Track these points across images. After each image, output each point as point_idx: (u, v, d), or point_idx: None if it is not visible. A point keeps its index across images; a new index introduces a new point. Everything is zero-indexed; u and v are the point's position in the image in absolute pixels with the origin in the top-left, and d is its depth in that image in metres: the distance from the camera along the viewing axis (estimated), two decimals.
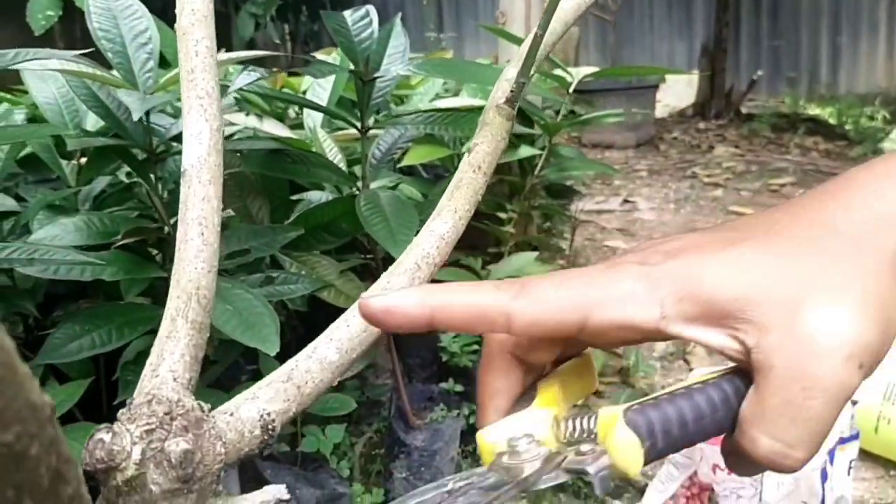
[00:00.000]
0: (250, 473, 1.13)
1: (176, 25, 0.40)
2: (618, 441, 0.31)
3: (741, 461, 0.34)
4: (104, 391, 1.13)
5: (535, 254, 1.68)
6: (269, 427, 0.35)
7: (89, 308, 0.94)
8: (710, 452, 1.16)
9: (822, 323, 0.30)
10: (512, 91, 0.58)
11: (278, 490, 0.35)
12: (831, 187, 0.36)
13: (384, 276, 0.44)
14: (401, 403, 1.33)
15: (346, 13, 1.07)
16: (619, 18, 6.30)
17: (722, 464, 1.10)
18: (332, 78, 1.50)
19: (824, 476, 1.09)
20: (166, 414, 0.32)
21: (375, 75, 1.02)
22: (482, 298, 0.34)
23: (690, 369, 2.00)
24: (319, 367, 0.38)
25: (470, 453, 1.59)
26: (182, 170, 0.37)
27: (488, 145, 0.55)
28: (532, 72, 0.60)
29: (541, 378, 0.38)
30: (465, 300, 0.34)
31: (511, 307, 0.33)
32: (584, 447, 0.33)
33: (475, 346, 1.57)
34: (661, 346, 2.12)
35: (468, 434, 1.57)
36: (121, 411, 0.32)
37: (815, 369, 0.30)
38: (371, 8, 1.09)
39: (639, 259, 0.34)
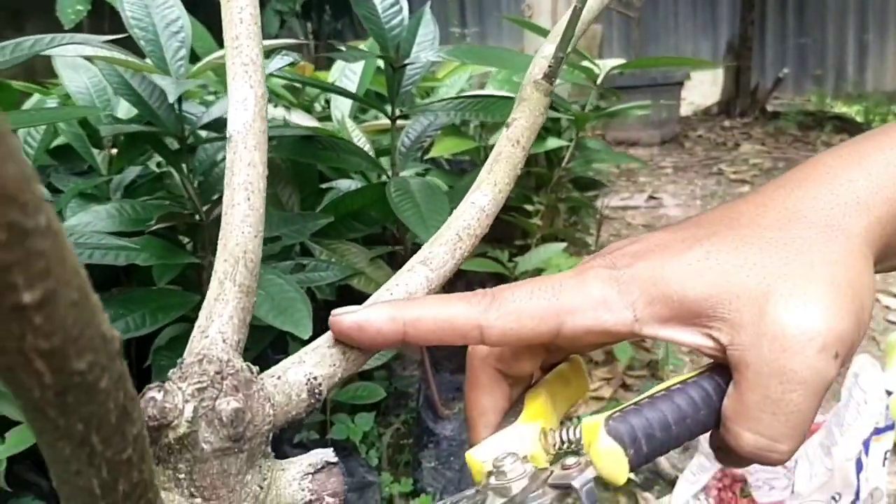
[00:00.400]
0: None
1: None
2: (601, 451, 0.31)
3: (729, 456, 0.34)
4: (136, 379, 1.14)
5: (563, 245, 1.68)
6: (316, 391, 0.35)
7: (122, 292, 0.95)
8: None
9: (792, 316, 0.30)
10: (550, 66, 0.57)
11: (326, 454, 0.35)
12: (797, 174, 0.35)
13: (425, 247, 0.44)
14: (429, 393, 1.33)
15: (376, 0, 1.07)
16: (644, 16, 6.25)
17: None
18: (359, 70, 1.50)
19: (859, 467, 1.07)
20: (217, 373, 0.32)
21: (406, 62, 1.02)
22: (454, 311, 0.34)
23: None
24: None
25: None
26: (227, 136, 0.37)
27: (526, 120, 0.54)
28: (569, 48, 0.59)
29: (528, 388, 0.38)
30: (437, 314, 0.34)
31: (483, 319, 0.33)
32: (570, 460, 0.33)
33: None
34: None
35: None
36: (171, 370, 0.32)
37: (790, 363, 0.29)
38: None
39: (607, 263, 0.34)
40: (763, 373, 0.30)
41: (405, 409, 1.65)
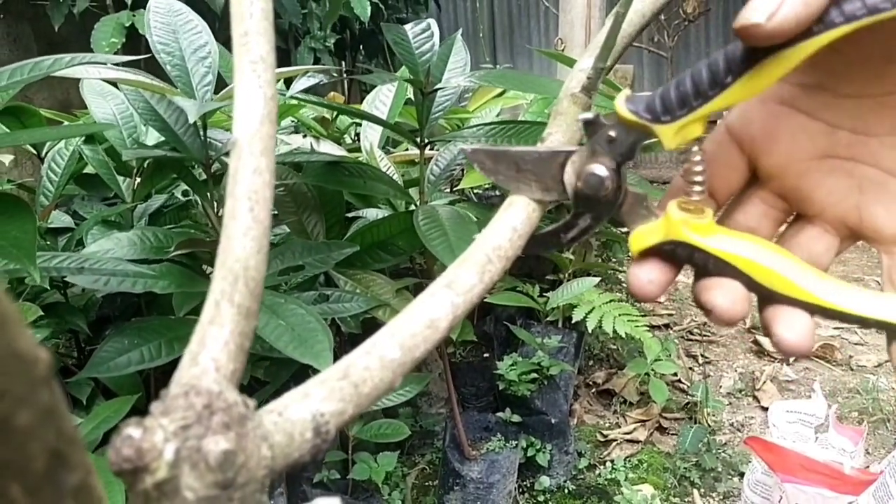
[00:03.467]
0: (299, 501, 1.08)
1: None
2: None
3: None
4: None
5: (596, 280, 1.62)
6: (323, 430, 0.31)
7: (139, 322, 0.92)
8: (791, 492, 1.07)
9: None
10: (589, 78, 0.53)
11: (330, 502, 0.30)
12: None
13: (450, 268, 0.39)
14: (456, 432, 1.27)
15: (407, 26, 1.04)
16: (676, 55, 6.22)
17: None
18: (389, 101, 1.48)
19: None
20: (205, 407, 0.27)
21: (436, 87, 0.98)
22: None
23: (760, 406, 1.90)
24: (379, 364, 0.33)
25: (527, 488, 1.51)
26: (231, 140, 0.33)
27: (563, 135, 0.50)
28: (609, 61, 0.55)
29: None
30: None
31: None
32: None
33: (533, 375, 1.50)
34: (728, 383, 2.02)
35: (526, 467, 1.50)
36: (153, 403, 0.28)
37: None
38: (432, 21, 1.06)
39: None
40: None
41: (431, 448, 1.59)
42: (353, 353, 0.34)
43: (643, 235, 0.36)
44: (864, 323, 0.33)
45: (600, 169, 0.37)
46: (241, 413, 0.28)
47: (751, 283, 0.34)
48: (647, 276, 0.36)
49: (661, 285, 0.36)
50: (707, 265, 0.35)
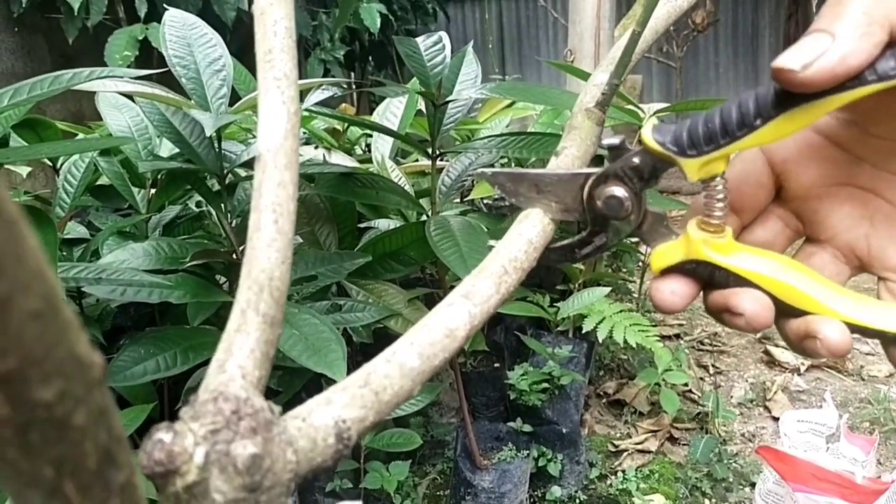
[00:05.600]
0: None
1: (254, 6, 0.38)
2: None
3: None
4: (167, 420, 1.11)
5: (606, 290, 1.62)
6: (345, 436, 0.31)
7: (154, 331, 0.93)
8: (803, 501, 1.07)
9: None
10: (603, 94, 0.54)
11: None
12: None
13: (467, 279, 0.40)
14: (467, 442, 1.28)
15: (419, 39, 1.06)
16: (684, 66, 6.22)
17: None
18: (400, 113, 1.49)
19: None
20: (234, 412, 0.28)
21: (447, 99, 0.99)
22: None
23: (771, 416, 1.89)
24: (399, 372, 0.34)
25: (539, 498, 1.52)
26: (257, 154, 0.34)
27: (577, 149, 0.51)
28: (623, 76, 0.56)
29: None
30: None
31: None
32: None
33: (544, 385, 1.51)
34: (739, 393, 2.02)
35: (537, 477, 1.50)
36: (183, 409, 0.29)
37: None
38: (444, 34, 1.08)
39: None
40: None
41: (442, 458, 1.59)
42: (374, 360, 0.35)
43: (664, 254, 0.37)
44: (884, 337, 0.34)
45: (621, 192, 0.38)
46: (267, 418, 0.29)
47: (772, 300, 0.35)
48: (671, 287, 0.37)
49: (685, 297, 0.37)
50: (728, 283, 0.36)
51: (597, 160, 0.47)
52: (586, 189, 0.39)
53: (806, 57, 0.30)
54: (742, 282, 0.35)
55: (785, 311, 0.35)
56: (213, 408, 0.28)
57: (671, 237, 0.38)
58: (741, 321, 0.35)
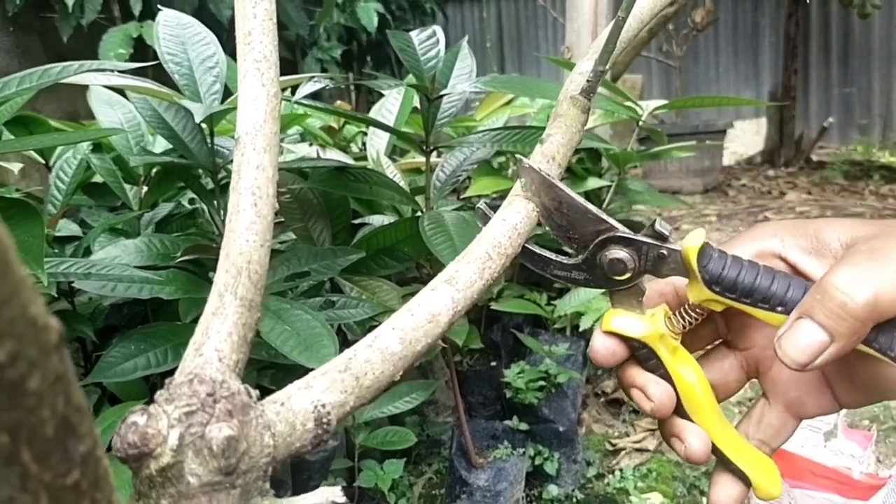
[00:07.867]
0: None
1: None
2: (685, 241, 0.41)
3: None
4: None
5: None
6: (324, 420, 0.31)
7: (145, 328, 0.92)
8: (800, 497, 1.06)
9: None
10: (589, 81, 0.53)
11: (333, 492, 0.30)
12: None
13: (451, 265, 0.40)
14: (463, 440, 1.27)
15: (413, 33, 1.05)
16: (685, 65, 6.22)
17: None
18: (395, 109, 1.49)
19: None
20: (209, 395, 0.28)
21: (442, 93, 0.99)
22: None
23: None
24: (380, 357, 0.34)
25: (535, 497, 1.51)
26: (236, 137, 0.34)
27: (562, 136, 0.50)
28: (608, 64, 0.56)
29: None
30: None
31: None
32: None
33: (541, 383, 1.50)
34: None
35: (534, 476, 1.50)
36: (158, 392, 0.28)
37: None
38: (438, 28, 1.07)
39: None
40: None
41: (437, 456, 1.58)
42: (355, 346, 0.35)
43: (624, 323, 0.42)
44: (727, 464, 0.43)
45: (631, 262, 0.41)
46: (244, 402, 0.29)
47: (676, 395, 0.42)
48: (612, 349, 0.42)
49: (618, 360, 0.43)
50: (655, 371, 0.42)
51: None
52: (602, 237, 0.42)
53: (808, 355, 0.37)
54: (667, 375, 0.42)
55: (678, 412, 0.42)
56: (189, 390, 0.28)
57: (635, 309, 0.42)
58: (648, 405, 0.42)
